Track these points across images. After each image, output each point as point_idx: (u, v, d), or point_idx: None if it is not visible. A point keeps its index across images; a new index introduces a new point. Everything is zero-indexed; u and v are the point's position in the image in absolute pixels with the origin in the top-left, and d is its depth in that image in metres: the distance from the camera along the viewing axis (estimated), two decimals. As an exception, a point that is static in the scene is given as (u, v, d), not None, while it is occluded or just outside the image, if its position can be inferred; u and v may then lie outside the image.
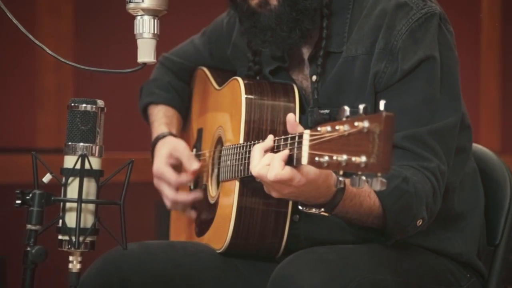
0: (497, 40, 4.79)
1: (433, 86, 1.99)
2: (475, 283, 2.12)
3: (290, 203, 2.06)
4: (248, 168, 1.99)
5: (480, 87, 4.73)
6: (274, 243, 2.08)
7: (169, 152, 2.30)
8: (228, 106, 2.19)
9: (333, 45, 2.07)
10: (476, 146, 2.23)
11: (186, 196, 2.29)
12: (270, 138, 1.84)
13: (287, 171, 1.75)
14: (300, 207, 1.87)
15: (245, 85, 2.11)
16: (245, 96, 2.09)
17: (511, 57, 4.82)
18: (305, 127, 1.75)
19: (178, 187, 2.30)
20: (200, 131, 2.39)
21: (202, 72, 2.40)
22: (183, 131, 2.46)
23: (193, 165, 2.26)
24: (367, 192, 1.88)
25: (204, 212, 2.26)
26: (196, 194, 2.28)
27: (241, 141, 2.07)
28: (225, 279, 2.12)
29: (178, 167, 2.31)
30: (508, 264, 2.21)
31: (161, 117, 2.40)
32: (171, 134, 2.35)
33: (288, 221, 2.07)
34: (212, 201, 2.22)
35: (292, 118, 1.81)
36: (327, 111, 2.05)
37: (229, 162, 2.10)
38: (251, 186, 2.05)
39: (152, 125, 2.41)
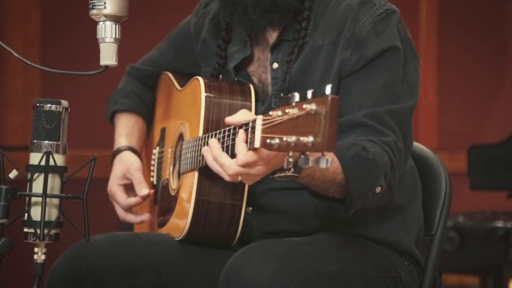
0: (434, 47, 4.83)
1: (394, 73, 2.01)
2: (412, 270, 2.13)
3: (245, 195, 2.05)
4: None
5: (419, 90, 4.77)
6: (230, 232, 2.07)
7: (122, 173, 2.28)
8: (189, 104, 2.18)
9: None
10: (415, 144, 2.25)
11: (133, 218, 2.28)
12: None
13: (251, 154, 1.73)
14: (270, 176, 1.82)
15: (205, 83, 2.10)
16: (205, 94, 2.08)
17: (446, 63, 4.87)
18: None
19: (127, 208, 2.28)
20: (163, 130, 2.37)
21: (166, 77, 2.37)
22: (148, 134, 2.43)
23: (142, 191, 2.25)
24: (331, 157, 1.85)
25: (166, 204, 2.24)
26: (144, 217, 2.27)
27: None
28: (185, 266, 2.10)
29: (131, 186, 2.29)
30: (443, 253, 2.22)
31: (122, 128, 2.36)
32: (129, 148, 2.32)
33: (243, 212, 2.06)
34: (173, 193, 2.21)
35: (228, 120, 1.80)
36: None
37: (189, 154, 2.09)
38: (209, 178, 2.03)
39: (114, 135, 2.38)
